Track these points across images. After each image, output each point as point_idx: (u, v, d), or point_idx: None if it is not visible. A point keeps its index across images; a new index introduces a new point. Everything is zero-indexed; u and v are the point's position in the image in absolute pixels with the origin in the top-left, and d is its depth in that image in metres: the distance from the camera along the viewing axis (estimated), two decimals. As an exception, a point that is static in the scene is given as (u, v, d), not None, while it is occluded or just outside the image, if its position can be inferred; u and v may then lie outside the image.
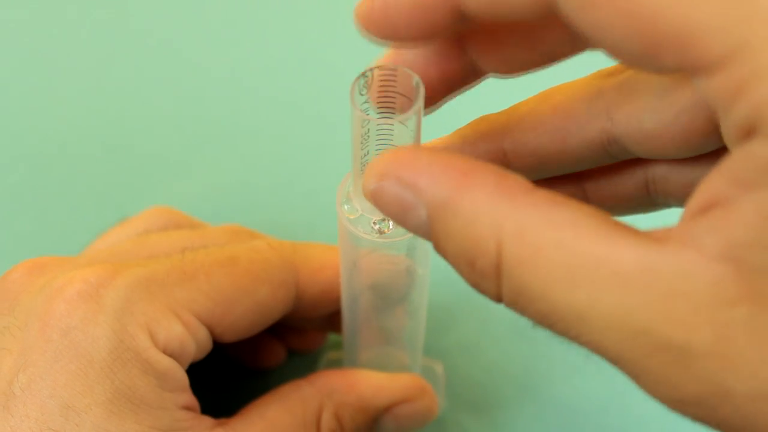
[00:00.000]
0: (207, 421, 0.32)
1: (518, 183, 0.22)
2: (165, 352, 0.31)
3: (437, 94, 0.27)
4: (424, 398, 0.35)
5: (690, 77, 0.20)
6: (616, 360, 0.21)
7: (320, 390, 0.34)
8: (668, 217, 0.27)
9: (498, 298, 0.22)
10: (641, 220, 0.25)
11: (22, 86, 0.49)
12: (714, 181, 0.20)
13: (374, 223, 0.29)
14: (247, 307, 0.33)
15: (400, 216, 0.23)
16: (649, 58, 0.20)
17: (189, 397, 0.32)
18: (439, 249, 0.23)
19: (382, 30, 0.24)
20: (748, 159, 0.19)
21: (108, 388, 0.30)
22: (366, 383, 0.34)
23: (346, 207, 0.29)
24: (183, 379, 0.32)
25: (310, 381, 0.34)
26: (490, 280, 0.22)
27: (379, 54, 0.27)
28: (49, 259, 0.34)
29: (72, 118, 0.48)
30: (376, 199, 0.23)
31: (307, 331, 0.40)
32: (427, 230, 0.23)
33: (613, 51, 0.21)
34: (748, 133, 0.19)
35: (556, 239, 0.21)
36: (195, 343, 0.32)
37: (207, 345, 0.33)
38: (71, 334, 0.30)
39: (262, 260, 0.33)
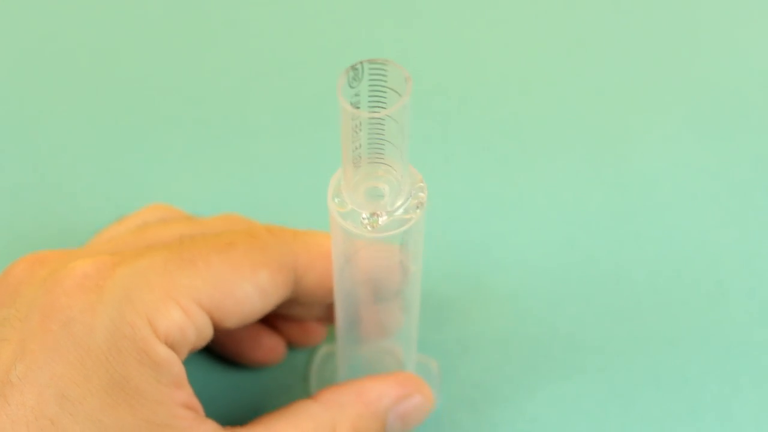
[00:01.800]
0: (210, 424, 0.32)
1: None
2: (166, 340, 0.31)
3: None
4: (422, 391, 0.36)
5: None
6: None
7: (329, 406, 0.34)
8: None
9: None
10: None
11: (22, 85, 0.49)
12: None
13: (364, 217, 0.29)
14: (246, 292, 0.33)
15: None
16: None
17: (188, 396, 0.32)
18: None
19: None
20: None
21: (104, 378, 0.30)
22: (370, 388, 0.35)
23: (336, 200, 0.29)
24: (180, 372, 0.32)
25: (317, 399, 0.34)
26: None
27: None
28: (51, 253, 0.34)
29: (72, 118, 0.48)
30: None
31: (307, 324, 0.40)
32: None
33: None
34: None
35: None
36: (195, 329, 0.32)
37: (207, 332, 0.33)
38: (70, 325, 0.30)
39: (261, 245, 0.33)
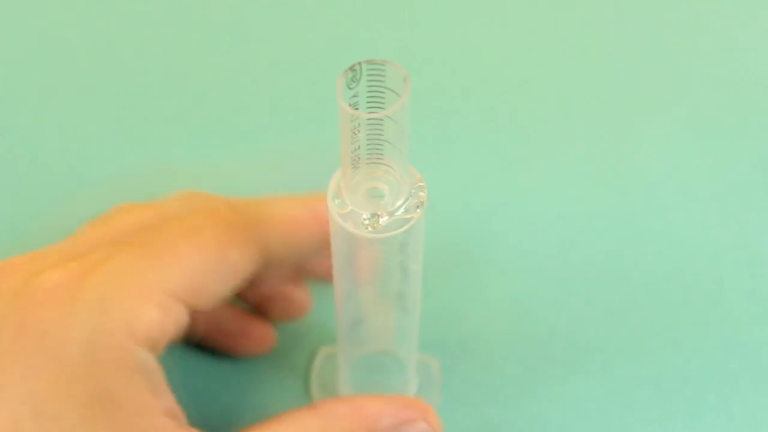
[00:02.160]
0: None
1: None
2: (146, 342, 0.31)
3: None
4: (428, 419, 0.35)
5: None
6: None
7: (323, 417, 0.33)
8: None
9: None
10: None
11: (22, 85, 0.49)
12: None
13: (365, 218, 0.29)
14: (220, 274, 0.33)
15: None
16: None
17: (169, 403, 0.31)
18: None
19: None
20: None
21: (81, 392, 0.29)
22: (370, 405, 0.34)
23: (336, 202, 0.29)
24: (160, 379, 0.31)
25: (312, 409, 0.34)
26: None
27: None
28: (15, 261, 0.33)
29: (72, 118, 0.48)
30: None
31: (288, 295, 0.39)
32: None
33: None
34: None
35: None
36: (173, 322, 0.32)
37: (184, 320, 0.32)
38: (45, 340, 0.30)
39: (225, 224, 0.33)
